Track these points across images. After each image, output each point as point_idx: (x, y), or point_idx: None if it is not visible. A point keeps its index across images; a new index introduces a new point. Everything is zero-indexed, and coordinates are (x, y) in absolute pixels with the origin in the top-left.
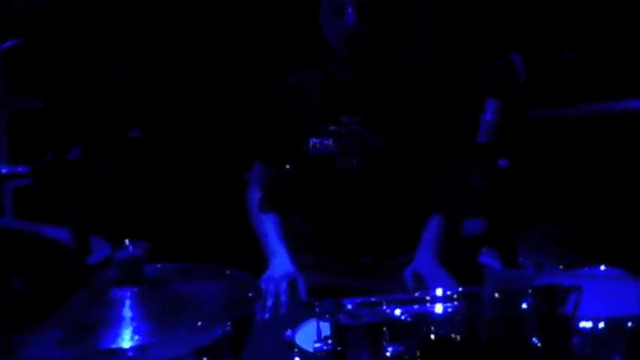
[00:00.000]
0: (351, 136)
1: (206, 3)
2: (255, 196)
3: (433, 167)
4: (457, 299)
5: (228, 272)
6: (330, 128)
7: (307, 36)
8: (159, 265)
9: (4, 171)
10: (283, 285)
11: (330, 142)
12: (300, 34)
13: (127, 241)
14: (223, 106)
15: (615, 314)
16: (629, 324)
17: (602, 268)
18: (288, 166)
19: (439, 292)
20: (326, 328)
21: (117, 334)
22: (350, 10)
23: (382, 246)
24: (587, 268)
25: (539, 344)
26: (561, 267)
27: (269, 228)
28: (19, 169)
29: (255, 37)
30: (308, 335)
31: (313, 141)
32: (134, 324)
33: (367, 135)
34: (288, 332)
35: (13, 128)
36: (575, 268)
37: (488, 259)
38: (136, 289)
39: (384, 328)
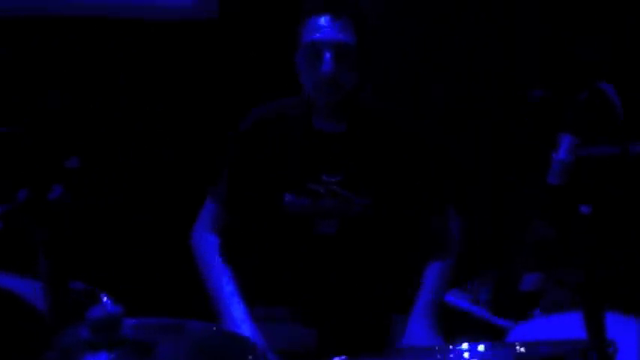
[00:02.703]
0: (332, 198)
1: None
2: (207, 240)
3: (419, 231)
4: None
5: (226, 332)
6: (309, 186)
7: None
8: (141, 322)
9: None
10: None
11: (308, 202)
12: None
13: (103, 296)
14: (177, 131)
15: None
16: None
17: None
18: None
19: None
20: None
21: None
22: (328, 55)
23: (358, 316)
24: None
25: None
26: None
27: (225, 282)
28: None
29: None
30: None
31: (288, 197)
32: None
33: (349, 198)
34: None
35: None
36: None
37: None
38: (113, 355)
39: None
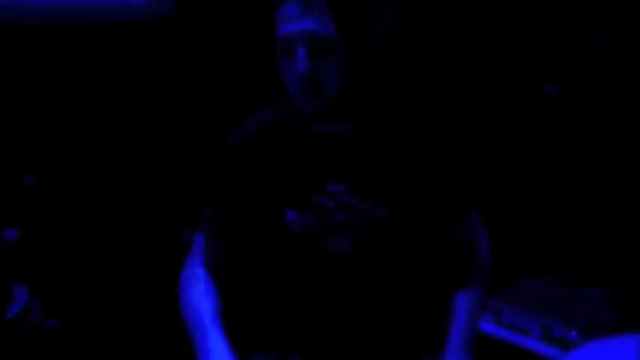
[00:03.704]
0: (342, 210)
1: None
2: (196, 271)
3: (442, 244)
4: None
5: None
6: (314, 199)
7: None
8: None
9: None
10: None
11: (314, 217)
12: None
13: None
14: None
15: None
16: None
17: None
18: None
19: None
20: None
21: None
22: (302, 52)
23: (380, 348)
24: None
25: None
26: None
27: (205, 308)
28: None
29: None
30: None
31: (291, 215)
32: None
33: (362, 208)
34: None
35: None
36: None
37: None
38: None
39: None
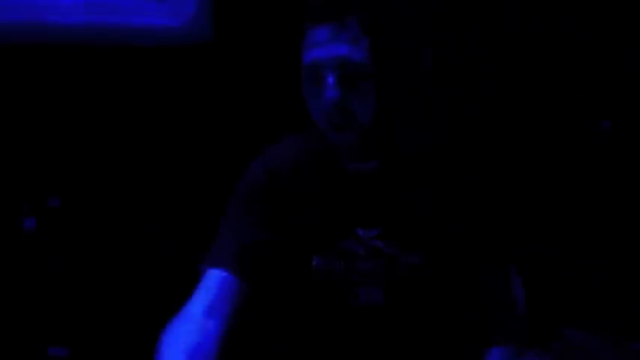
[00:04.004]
0: (373, 258)
1: None
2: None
3: (478, 297)
4: None
5: None
6: (342, 244)
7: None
8: None
9: None
10: None
11: (343, 265)
12: None
13: None
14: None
15: None
16: None
17: None
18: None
19: None
20: None
21: None
22: (331, 78)
23: None
24: None
25: None
26: None
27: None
28: None
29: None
30: None
31: (317, 261)
32: None
33: (394, 255)
34: None
35: None
36: None
37: None
38: None
39: None
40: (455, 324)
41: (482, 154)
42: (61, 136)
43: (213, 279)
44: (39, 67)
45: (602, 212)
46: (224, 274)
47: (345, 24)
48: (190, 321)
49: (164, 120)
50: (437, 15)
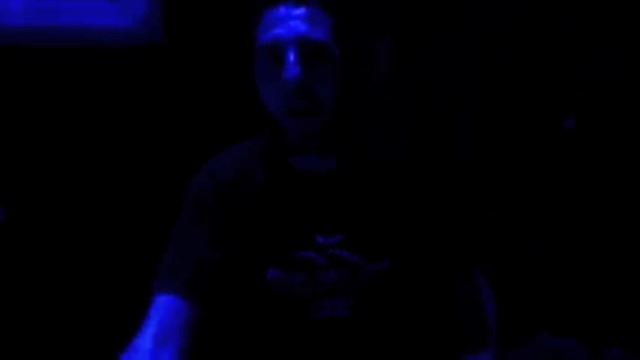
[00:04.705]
0: (336, 268)
1: None
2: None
3: (446, 305)
4: None
5: None
6: (300, 254)
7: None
8: None
9: None
10: None
11: (301, 276)
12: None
13: None
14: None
15: None
16: None
17: None
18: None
19: None
20: None
21: None
22: (292, 55)
23: None
24: None
25: None
26: None
27: None
28: None
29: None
30: None
31: (273, 274)
32: None
33: (357, 264)
34: None
35: None
36: None
37: None
38: None
39: None
40: (422, 334)
41: (448, 155)
42: (14, 142)
43: (162, 306)
44: None
45: (580, 215)
46: (173, 300)
47: (308, 4)
48: (142, 356)
49: (115, 121)
50: (402, 10)
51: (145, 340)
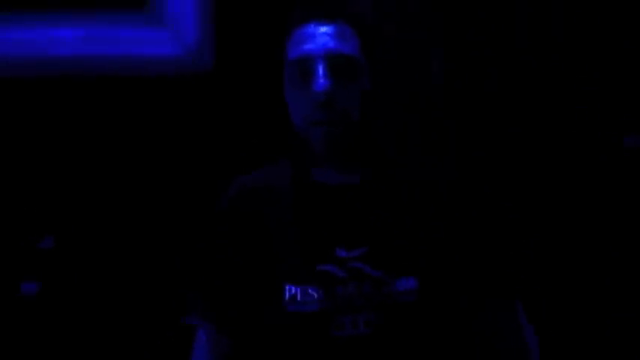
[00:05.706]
0: (356, 282)
1: None
2: None
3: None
4: None
5: None
6: (319, 268)
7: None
8: None
9: None
10: None
11: (319, 292)
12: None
13: None
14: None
15: None
16: None
17: None
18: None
19: None
20: None
21: None
22: (321, 69)
23: None
24: None
25: None
26: None
27: None
28: None
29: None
30: None
31: (290, 289)
32: None
33: (381, 278)
34: None
35: None
36: None
37: None
38: None
39: None
40: None
41: (488, 171)
42: (64, 170)
43: (206, 341)
44: (40, 100)
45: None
46: (215, 334)
47: (336, 22)
48: None
49: (165, 150)
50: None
51: None
